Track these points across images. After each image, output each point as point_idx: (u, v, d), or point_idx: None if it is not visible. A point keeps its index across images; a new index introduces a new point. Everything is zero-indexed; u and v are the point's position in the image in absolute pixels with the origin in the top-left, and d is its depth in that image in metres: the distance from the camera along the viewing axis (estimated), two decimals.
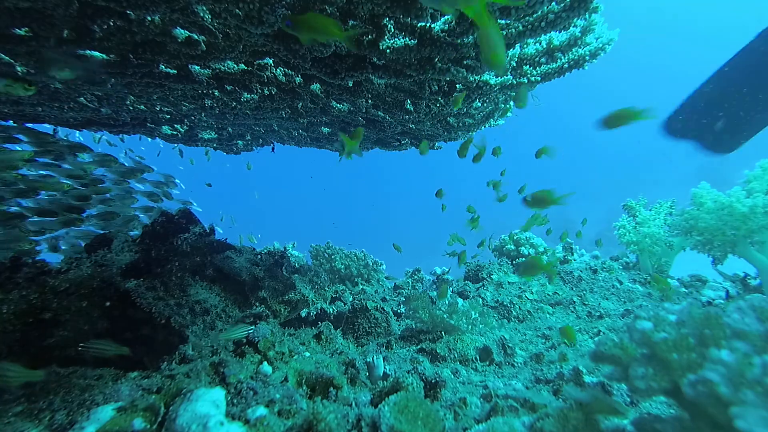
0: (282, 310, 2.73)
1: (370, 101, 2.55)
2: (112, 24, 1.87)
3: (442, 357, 2.14)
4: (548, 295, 3.10)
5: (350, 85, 2.32)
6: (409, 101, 2.36)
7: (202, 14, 1.78)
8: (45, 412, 1.05)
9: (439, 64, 1.72)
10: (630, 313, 2.76)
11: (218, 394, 1.26)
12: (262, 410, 1.25)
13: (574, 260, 3.66)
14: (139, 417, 1.07)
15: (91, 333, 1.57)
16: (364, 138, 3.44)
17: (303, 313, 3.10)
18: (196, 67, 2.41)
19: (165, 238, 2.53)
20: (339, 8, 1.60)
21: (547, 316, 2.87)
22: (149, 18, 1.86)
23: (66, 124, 3.18)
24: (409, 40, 1.66)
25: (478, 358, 2.18)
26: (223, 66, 2.36)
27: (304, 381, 1.51)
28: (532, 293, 3.05)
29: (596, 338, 2.35)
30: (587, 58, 1.67)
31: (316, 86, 2.47)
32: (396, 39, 1.71)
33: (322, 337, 2.07)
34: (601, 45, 1.65)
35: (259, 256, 3.04)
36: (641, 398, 1.62)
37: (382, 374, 1.70)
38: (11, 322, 1.38)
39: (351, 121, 2.97)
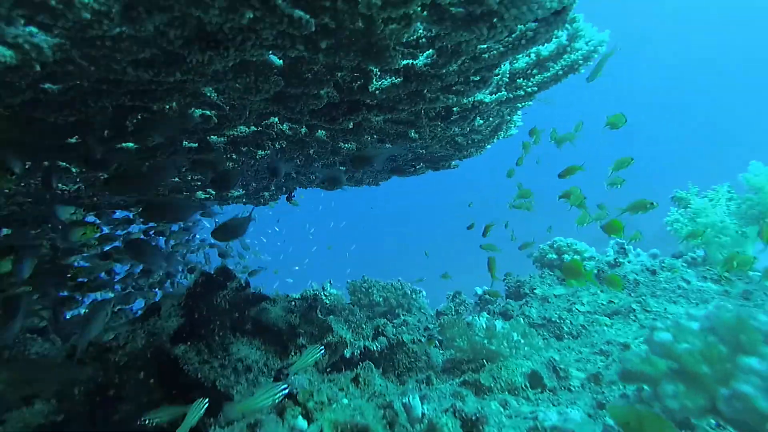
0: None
1: (375, 136, 2.69)
2: (139, 117, 2.18)
3: (487, 388, 2.09)
4: (602, 304, 2.93)
5: (351, 126, 2.47)
6: (411, 130, 2.46)
7: (209, 94, 2.04)
8: None
9: (429, 95, 1.81)
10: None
11: None
12: None
13: (628, 262, 3.42)
14: None
15: (149, 404, 1.76)
16: (380, 169, 3.58)
17: (347, 353, 3.17)
18: (214, 137, 2.70)
19: (205, 297, 2.76)
20: (325, 65, 1.77)
21: (605, 328, 2.70)
22: (167, 106, 2.16)
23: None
24: (395, 79, 1.78)
25: (527, 385, 2.10)
26: (236, 131, 2.63)
27: (339, 430, 1.57)
28: (583, 304, 2.90)
29: None
30: (581, 62, 1.69)
31: (321, 133, 2.65)
32: (383, 80, 1.83)
33: (360, 380, 2.12)
34: (593, 48, 1.66)
35: (293, 303, 3.19)
36: (683, 418, 1.48)
37: (420, 415, 1.71)
38: (81, 403, 1.59)
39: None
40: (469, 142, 2.63)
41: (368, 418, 1.57)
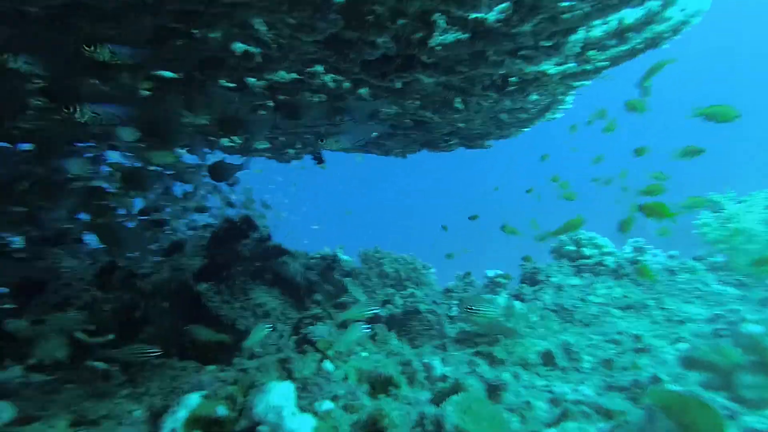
0: (336, 312, 2.84)
1: (418, 102, 2.59)
2: (180, 44, 2.08)
3: (500, 360, 2.10)
4: (616, 298, 2.91)
5: (398, 86, 2.36)
6: (458, 99, 2.36)
7: (258, 27, 1.92)
8: (144, 397, 1.20)
9: (493, 57, 1.71)
10: (720, 318, 2.50)
11: (288, 387, 1.35)
12: (328, 404, 1.32)
13: (646, 261, 3.39)
14: (221, 404, 1.19)
15: (172, 330, 1.76)
16: (411, 140, 3.48)
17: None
18: (252, 80, 2.59)
19: (228, 243, 2.75)
20: (389, 8, 1.66)
21: (616, 320, 2.69)
22: (211, 35, 2.05)
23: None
24: (461, 34, 1.67)
25: (540, 362, 2.10)
26: (276, 76, 2.52)
27: (364, 379, 1.57)
28: (597, 296, 2.88)
29: (678, 344, 2.17)
30: (666, 35, 1.55)
31: (364, 90, 2.55)
32: (447, 35, 1.72)
33: (377, 338, 2.12)
34: (685, 18, 1.52)
35: (312, 261, 3.18)
36: (749, 410, 1.47)
37: (440, 375, 1.71)
38: (110, 319, 1.59)
39: (398, 124, 3.02)
40: (513, 120, 2.53)
41: (390, 371, 1.58)
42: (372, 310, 1.83)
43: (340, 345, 1.72)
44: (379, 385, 1.63)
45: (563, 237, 3.83)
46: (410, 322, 2.71)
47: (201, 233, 3.28)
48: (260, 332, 1.56)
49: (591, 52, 1.68)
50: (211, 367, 1.55)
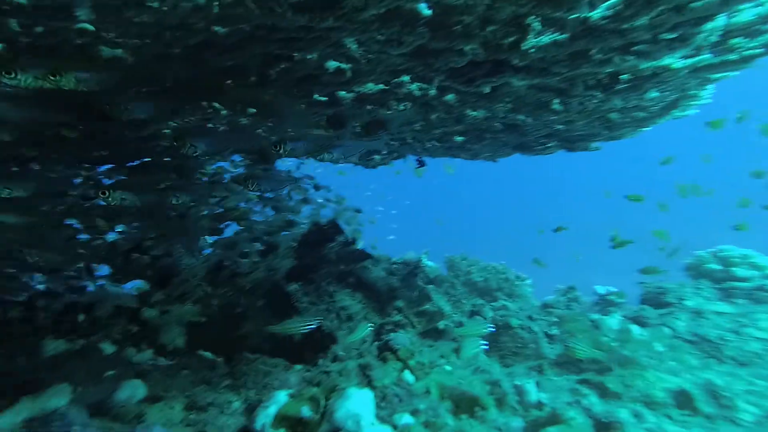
0: (418, 320, 2.86)
1: (508, 105, 2.46)
2: (282, 67, 2.33)
3: (614, 393, 1.85)
4: None
5: (487, 91, 2.28)
6: (556, 100, 2.18)
7: (349, 45, 2.05)
8: (242, 390, 1.39)
9: (598, 56, 1.54)
10: None
11: (367, 395, 1.41)
12: (408, 418, 1.35)
13: None
14: (306, 405, 1.30)
15: (266, 326, 1.99)
16: (503, 144, 3.31)
17: (441, 326, 3.16)
18: (342, 93, 2.77)
19: (316, 246, 2.99)
20: (478, 16, 1.61)
21: None
22: (308, 56, 2.25)
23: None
24: (559, 35, 1.54)
25: (672, 402, 1.80)
26: (364, 88, 2.65)
27: (447, 395, 1.55)
28: (759, 329, 2.33)
29: None
30: None
31: (450, 96, 2.52)
32: (542, 37, 1.61)
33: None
34: None
35: (395, 266, 3.26)
36: None
37: (535, 401, 1.60)
38: (217, 313, 1.87)
39: (487, 128, 2.91)
40: (627, 120, 2.23)
41: (476, 390, 1.53)
42: (488, 327, 1.82)
43: (460, 359, 1.73)
44: (464, 404, 1.58)
45: (703, 253, 3.18)
46: (500, 338, 2.58)
47: (292, 235, 3.61)
48: (363, 330, 1.65)
49: (736, 40, 1.38)
50: (298, 367, 1.70)
